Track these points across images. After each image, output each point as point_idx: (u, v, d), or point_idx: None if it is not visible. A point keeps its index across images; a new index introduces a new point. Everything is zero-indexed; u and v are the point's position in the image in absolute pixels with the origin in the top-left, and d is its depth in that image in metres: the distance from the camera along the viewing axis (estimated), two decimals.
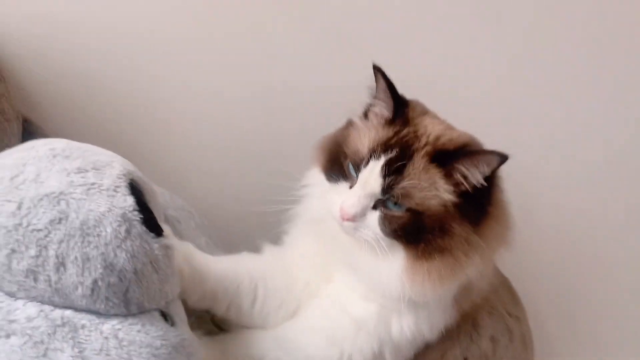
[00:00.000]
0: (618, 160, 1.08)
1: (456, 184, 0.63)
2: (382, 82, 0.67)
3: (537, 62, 1.01)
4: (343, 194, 0.66)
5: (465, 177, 0.62)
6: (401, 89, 0.69)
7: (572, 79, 1.02)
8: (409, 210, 0.63)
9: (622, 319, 1.18)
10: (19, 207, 0.52)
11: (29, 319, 0.49)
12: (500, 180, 0.66)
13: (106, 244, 0.53)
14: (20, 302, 0.50)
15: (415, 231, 0.62)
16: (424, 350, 0.70)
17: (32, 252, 0.51)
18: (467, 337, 0.72)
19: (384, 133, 0.66)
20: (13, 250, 0.50)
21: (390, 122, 0.67)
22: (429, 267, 0.62)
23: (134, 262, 0.54)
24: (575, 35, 1.00)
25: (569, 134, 1.06)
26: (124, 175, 0.59)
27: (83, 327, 0.51)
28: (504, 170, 0.65)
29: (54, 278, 0.51)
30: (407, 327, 0.67)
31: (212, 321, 0.82)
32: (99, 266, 0.52)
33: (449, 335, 0.70)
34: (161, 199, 0.67)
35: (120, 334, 0.52)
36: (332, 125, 0.75)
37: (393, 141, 0.65)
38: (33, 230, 0.51)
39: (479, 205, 0.64)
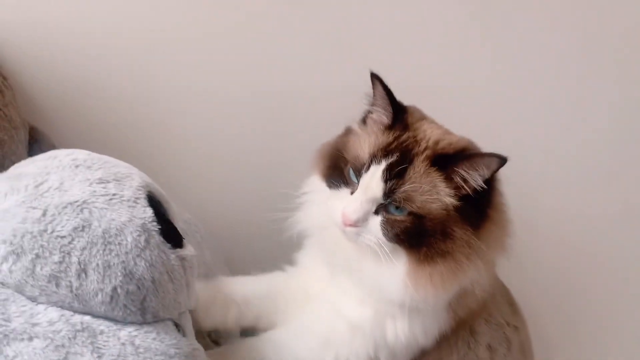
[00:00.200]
0: (619, 166, 1.10)
1: (456, 187, 0.64)
2: (380, 89, 0.68)
3: (536, 67, 1.04)
4: (344, 200, 0.67)
5: (465, 181, 0.64)
6: (399, 94, 0.70)
7: (571, 84, 1.05)
8: (410, 214, 0.64)
9: (623, 327, 1.20)
10: (44, 214, 0.54)
11: (51, 323, 0.50)
12: (499, 183, 0.68)
13: (127, 253, 0.55)
14: (41, 307, 0.52)
15: (417, 235, 0.64)
16: (421, 357, 0.72)
17: (56, 258, 0.52)
18: (465, 344, 0.73)
19: (384, 138, 0.68)
20: (37, 256, 0.52)
21: (389, 127, 0.69)
22: (432, 271, 0.64)
23: (152, 271, 0.56)
24: (574, 39, 1.03)
25: (568, 139, 1.08)
26: (143, 187, 0.61)
27: (102, 332, 0.52)
28: (504, 175, 0.67)
29: (75, 284, 0.52)
30: (401, 331, 0.68)
31: (208, 337, 0.84)
32: (119, 274, 0.54)
33: (447, 342, 0.71)
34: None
35: (137, 341, 0.53)
36: (333, 132, 0.77)
37: (393, 146, 0.66)
38: (57, 236, 0.53)
39: (478, 208, 0.65)
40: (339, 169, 0.70)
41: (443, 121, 0.74)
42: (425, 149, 0.66)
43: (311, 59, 1.01)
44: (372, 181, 0.65)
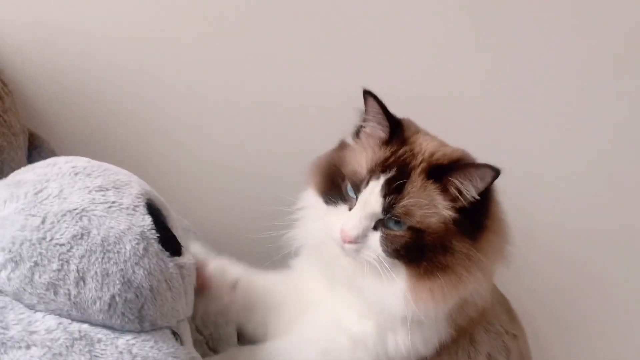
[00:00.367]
0: (617, 175, 1.10)
1: (453, 199, 0.65)
2: (374, 105, 0.68)
3: (533, 76, 1.05)
4: (342, 216, 0.67)
5: (460, 192, 0.64)
6: (394, 104, 0.70)
7: (570, 91, 1.06)
8: (409, 228, 0.64)
9: (620, 335, 1.20)
10: (43, 222, 0.54)
11: (49, 331, 0.50)
12: (496, 193, 0.68)
13: (125, 261, 0.55)
14: (40, 315, 0.51)
15: (416, 250, 0.64)
16: None
17: (54, 266, 0.52)
18: (465, 353, 0.73)
19: (381, 153, 0.67)
20: (36, 264, 0.52)
21: (386, 142, 0.69)
22: (432, 286, 0.64)
23: (150, 280, 0.56)
24: (572, 51, 1.04)
25: (565, 147, 1.09)
26: (142, 195, 0.61)
27: (99, 341, 0.52)
28: (501, 183, 0.66)
29: (73, 292, 0.52)
30: (402, 343, 0.68)
31: (206, 344, 0.84)
32: (117, 282, 0.54)
33: (447, 351, 0.71)
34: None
35: (134, 349, 0.53)
36: (330, 142, 0.76)
37: (391, 161, 0.66)
38: (56, 244, 0.53)
39: (476, 219, 0.65)
40: (336, 185, 0.69)
41: (439, 131, 0.74)
42: (421, 162, 0.66)
43: (309, 71, 1.01)
44: (371, 196, 0.65)
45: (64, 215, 0.55)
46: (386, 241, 0.64)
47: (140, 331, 0.55)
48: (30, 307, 0.52)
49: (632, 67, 1.07)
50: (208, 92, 1.02)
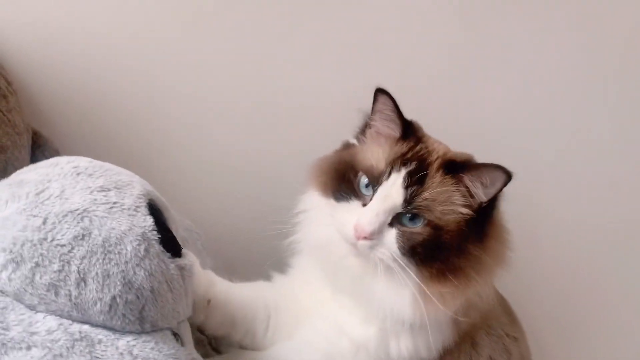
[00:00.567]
0: (616, 179, 1.10)
1: (466, 197, 0.65)
2: (387, 103, 0.68)
3: (534, 80, 1.05)
4: (356, 213, 0.66)
5: (470, 193, 0.64)
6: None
7: (572, 94, 1.06)
8: (428, 225, 0.64)
9: (621, 338, 1.20)
10: (45, 222, 0.54)
11: (49, 332, 0.50)
12: (500, 200, 0.68)
13: (126, 262, 0.55)
14: (40, 315, 0.51)
15: (433, 249, 0.63)
16: None
17: (55, 266, 0.52)
18: (467, 357, 0.73)
19: (399, 149, 0.68)
20: (37, 264, 0.52)
21: (399, 140, 0.69)
22: (443, 288, 0.64)
23: (151, 281, 0.56)
24: (572, 53, 1.04)
25: (564, 150, 1.09)
26: (144, 195, 0.61)
27: (100, 342, 0.52)
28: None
29: (74, 293, 0.52)
30: (405, 348, 0.68)
31: (209, 345, 0.83)
32: (118, 283, 0.54)
33: (449, 355, 0.71)
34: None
35: (135, 351, 0.53)
36: (329, 145, 0.76)
37: (409, 155, 0.66)
38: (57, 245, 0.53)
39: (482, 224, 0.66)
40: (347, 181, 0.68)
41: (437, 133, 0.74)
42: (437, 158, 0.67)
43: (310, 71, 1.01)
44: (393, 189, 0.64)
45: (65, 215, 0.54)
46: (403, 238, 0.64)
47: (141, 332, 0.55)
48: (31, 307, 0.52)
49: (633, 66, 1.06)
50: (210, 92, 1.02)
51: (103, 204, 0.57)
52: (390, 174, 0.65)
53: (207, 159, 1.05)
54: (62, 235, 0.53)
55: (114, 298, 0.53)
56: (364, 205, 0.66)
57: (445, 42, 1.02)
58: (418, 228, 0.64)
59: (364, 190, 0.67)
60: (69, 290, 0.52)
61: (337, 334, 0.70)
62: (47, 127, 0.98)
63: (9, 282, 0.51)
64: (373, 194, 0.65)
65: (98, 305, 0.53)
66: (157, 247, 0.58)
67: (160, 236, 0.58)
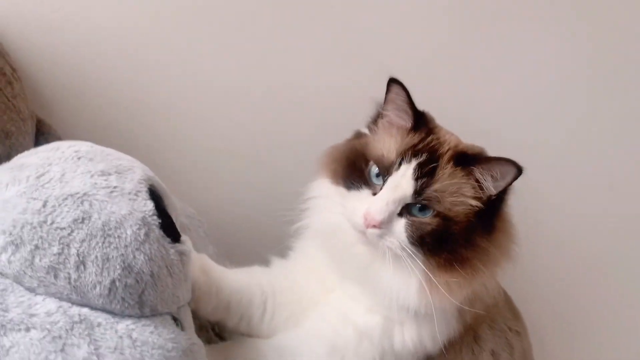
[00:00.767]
0: (620, 176, 1.10)
1: (476, 189, 0.65)
2: (400, 93, 0.68)
3: (540, 74, 1.04)
4: (366, 201, 0.66)
5: (480, 186, 0.65)
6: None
7: (577, 91, 1.05)
8: (437, 216, 0.64)
9: (623, 336, 1.20)
10: (44, 205, 0.54)
11: (49, 314, 0.50)
12: (510, 194, 0.68)
13: (126, 246, 0.54)
14: (40, 298, 0.51)
15: (441, 239, 0.64)
16: None
17: (55, 249, 0.52)
18: (469, 350, 0.73)
19: (410, 140, 0.68)
20: (36, 247, 0.52)
21: (411, 130, 0.69)
22: (449, 278, 0.64)
23: (151, 265, 0.55)
24: (575, 47, 1.02)
25: (574, 151, 1.08)
26: (145, 180, 0.61)
27: (99, 325, 0.52)
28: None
29: (73, 276, 0.52)
30: (409, 338, 0.68)
31: (212, 330, 0.83)
32: (117, 267, 0.53)
33: (452, 348, 0.71)
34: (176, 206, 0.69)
35: (134, 334, 0.53)
36: (337, 134, 0.76)
37: (420, 146, 0.67)
38: (57, 228, 0.53)
39: (490, 216, 0.66)
40: (358, 170, 0.69)
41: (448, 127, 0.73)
42: (448, 150, 0.67)
43: (319, 61, 1.01)
44: (403, 179, 0.65)
45: (66, 199, 0.54)
46: (412, 228, 0.64)
47: (141, 316, 0.55)
48: (31, 290, 0.52)
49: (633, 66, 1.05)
50: (215, 78, 1.01)
51: (103, 188, 0.57)
52: (400, 164, 0.65)
53: (210, 147, 1.05)
54: (62, 218, 0.53)
55: (113, 282, 0.53)
56: (374, 194, 0.67)
57: (458, 31, 1.01)
58: (427, 218, 0.64)
59: (374, 180, 0.67)
60: (69, 273, 0.52)
61: (343, 322, 0.70)
62: (51, 115, 0.98)
63: (8, 264, 0.51)
64: (383, 184, 0.66)
65: (97, 288, 0.53)
66: (157, 232, 0.57)
67: (160, 221, 0.58)
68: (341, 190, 0.70)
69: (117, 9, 0.97)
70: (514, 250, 0.69)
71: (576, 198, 1.10)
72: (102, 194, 0.56)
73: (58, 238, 0.52)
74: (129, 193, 0.58)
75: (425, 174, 0.64)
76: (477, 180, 0.65)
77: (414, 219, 0.64)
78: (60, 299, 0.52)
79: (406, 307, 0.66)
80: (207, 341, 0.80)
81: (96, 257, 0.53)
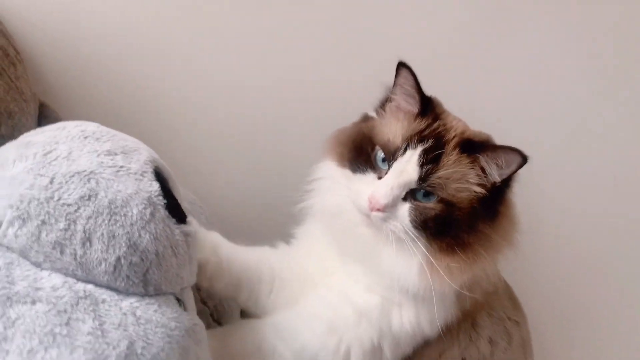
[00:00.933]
0: (626, 169, 1.10)
1: (480, 178, 0.65)
2: (408, 77, 0.69)
3: (546, 67, 1.04)
4: (371, 185, 0.67)
5: (485, 173, 0.65)
6: None
7: (581, 83, 1.05)
8: (440, 201, 0.65)
9: (622, 328, 1.20)
10: (51, 182, 0.54)
11: (54, 288, 0.51)
12: (514, 181, 0.68)
13: (132, 224, 0.55)
14: (45, 272, 0.52)
15: (444, 224, 0.64)
16: (423, 348, 0.72)
17: (61, 225, 0.52)
18: (467, 337, 0.73)
19: (416, 125, 0.68)
20: (43, 222, 0.52)
21: (418, 116, 0.69)
22: (450, 262, 0.64)
23: (156, 244, 0.56)
24: (579, 39, 1.02)
25: (576, 143, 1.08)
26: (150, 162, 0.61)
27: (103, 301, 0.52)
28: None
29: (79, 252, 0.53)
30: (407, 320, 0.69)
31: (211, 316, 0.84)
32: (123, 244, 0.54)
33: (449, 334, 0.71)
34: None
35: (138, 312, 0.53)
36: (342, 120, 0.76)
37: (426, 132, 0.67)
38: (64, 204, 0.53)
39: (494, 203, 0.66)
40: (364, 154, 0.69)
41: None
42: (454, 136, 0.67)
43: (325, 50, 1.01)
44: (408, 165, 0.65)
45: (72, 176, 0.55)
46: (416, 212, 0.65)
47: (145, 295, 0.56)
48: (37, 265, 0.52)
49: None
50: (218, 63, 1.01)
51: (110, 167, 0.57)
52: (406, 150, 0.66)
53: (212, 134, 1.05)
54: (69, 195, 0.53)
55: (118, 259, 0.53)
56: (379, 178, 0.67)
57: (466, 24, 1.02)
58: (431, 204, 0.65)
59: (380, 164, 0.68)
60: (74, 249, 0.52)
61: (342, 302, 0.71)
62: (53, 99, 0.98)
63: (15, 238, 0.51)
64: (388, 169, 0.66)
65: (103, 265, 0.53)
66: (163, 212, 0.58)
67: (166, 202, 0.59)
68: (347, 172, 0.71)
69: None
70: (516, 238, 0.69)
71: (579, 195, 1.11)
72: (108, 172, 0.57)
73: (65, 214, 0.53)
74: (135, 173, 0.58)
75: (430, 161, 0.65)
76: (482, 168, 0.65)
77: (418, 204, 0.65)
78: (66, 274, 0.52)
79: (406, 289, 0.67)
80: (206, 326, 0.81)
81: (102, 234, 0.53)
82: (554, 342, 1.16)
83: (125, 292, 0.54)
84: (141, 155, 0.61)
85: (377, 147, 0.68)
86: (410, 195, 0.66)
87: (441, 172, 0.64)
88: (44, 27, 0.97)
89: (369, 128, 0.71)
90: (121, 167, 0.58)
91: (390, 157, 0.66)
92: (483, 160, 0.65)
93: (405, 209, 0.65)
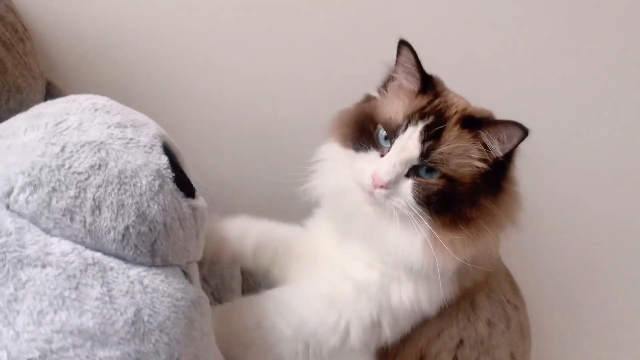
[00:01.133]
0: (627, 158, 1.09)
1: (482, 152, 0.66)
2: (409, 56, 0.69)
3: (555, 52, 1.03)
4: (374, 163, 0.67)
5: (487, 148, 0.66)
6: None
7: (587, 75, 1.04)
8: (443, 177, 0.65)
9: (622, 318, 1.20)
10: (63, 150, 0.55)
11: (64, 254, 0.51)
12: (517, 157, 0.69)
13: (141, 195, 0.56)
14: (55, 239, 0.52)
15: (447, 199, 0.65)
16: (422, 326, 0.72)
17: (72, 192, 0.53)
18: (465, 317, 0.74)
19: (417, 102, 0.69)
20: (54, 189, 0.53)
21: (419, 93, 0.69)
22: (453, 237, 0.65)
23: (164, 216, 0.57)
24: (587, 35, 1.02)
25: (578, 131, 1.08)
26: (159, 136, 0.62)
27: (112, 269, 0.53)
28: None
29: (89, 220, 0.53)
30: (406, 296, 0.69)
31: (211, 295, 0.85)
32: (132, 214, 0.55)
33: (448, 313, 0.72)
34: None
35: (145, 281, 0.54)
36: (343, 104, 0.76)
37: (427, 109, 0.68)
38: (74, 172, 0.54)
39: (497, 179, 0.67)
40: (367, 132, 0.70)
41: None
42: (455, 113, 0.68)
43: (327, 28, 1.00)
44: (410, 142, 0.66)
45: (83, 145, 0.55)
46: (418, 188, 0.65)
47: (152, 265, 0.56)
48: (47, 231, 0.53)
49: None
50: (221, 44, 1.01)
51: (120, 139, 0.58)
52: (407, 127, 0.66)
53: (216, 117, 1.05)
54: (80, 163, 0.54)
55: (127, 228, 0.54)
56: (382, 156, 0.68)
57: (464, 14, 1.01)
58: (433, 179, 0.66)
59: (382, 142, 0.68)
60: (84, 217, 0.53)
61: (342, 278, 0.72)
62: (60, 78, 0.98)
63: (26, 204, 0.52)
64: (391, 146, 0.67)
65: (111, 233, 0.54)
66: (171, 185, 0.59)
67: (174, 175, 0.59)
68: (350, 152, 0.71)
69: None
70: (518, 216, 0.70)
71: (579, 178, 1.11)
72: (118, 144, 0.57)
73: (75, 182, 0.53)
74: (144, 146, 0.59)
75: (431, 137, 0.65)
76: (483, 144, 0.66)
77: (421, 180, 0.66)
78: (75, 242, 0.53)
79: (410, 265, 0.67)
80: None
81: (111, 202, 0.54)
82: (553, 333, 1.17)
83: (133, 262, 0.55)
84: (150, 129, 0.62)
85: (379, 126, 0.69)
86: (412, 171, 0.66)
87: (442, 148, 0.65)
88: (51, 6, 0.97)
89: (371, 107, 0.72)
90: (131, 139, 0.59)
91: (392, 134, 0.67)
92: (484, 135, 0.66)
93: (408, 185, 0.66)
